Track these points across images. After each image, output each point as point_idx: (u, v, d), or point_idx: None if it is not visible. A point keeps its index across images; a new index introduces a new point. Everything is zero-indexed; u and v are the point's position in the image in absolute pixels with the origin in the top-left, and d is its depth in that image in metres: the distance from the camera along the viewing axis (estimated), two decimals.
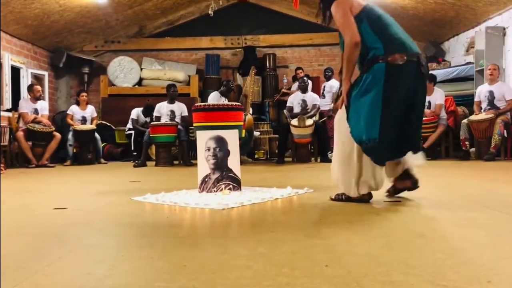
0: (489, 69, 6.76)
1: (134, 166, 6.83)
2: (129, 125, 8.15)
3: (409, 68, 2.63)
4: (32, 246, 1.80)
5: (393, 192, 2.88)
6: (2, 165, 6.02)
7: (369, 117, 2.61)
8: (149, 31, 10.29)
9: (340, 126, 2.76)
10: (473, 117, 6.72)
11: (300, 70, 9.18)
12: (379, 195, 2.88)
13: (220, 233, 2.06)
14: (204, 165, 3.34)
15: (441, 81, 7.86)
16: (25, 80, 8.55)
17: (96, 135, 7.89)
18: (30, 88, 7.67)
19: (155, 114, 7.42)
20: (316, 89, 8.52)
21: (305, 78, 7.72)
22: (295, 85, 9.12)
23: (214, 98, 7.20)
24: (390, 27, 2.73)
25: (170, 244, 1.82)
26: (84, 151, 7.88)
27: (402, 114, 2.67)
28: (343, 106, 2.75)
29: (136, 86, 9.59)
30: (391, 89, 2.59)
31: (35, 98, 7.53)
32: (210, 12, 7.88)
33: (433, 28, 9.08)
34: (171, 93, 7.46)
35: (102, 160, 7.88)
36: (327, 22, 2.93)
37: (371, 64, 2.63)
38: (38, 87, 7.71)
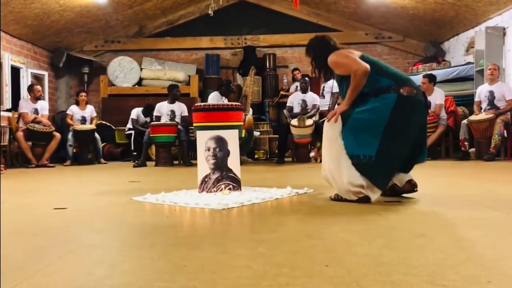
0: (489, 69, 6.76)
1: (134, 166, 6.83)
2: (129, 125, 8.15)
3: (418, 100, 2.78)
4: (32, 246, 1.80)
5: (390, 193, 2.90)
6: (2, 165, 6.02)
7: (369, 135, 2.68)
8: (149, 31, 10.29)
9: (334, 135, 2.78)
10: (473, 117, 6.72)
11: (297, 71, 9.17)
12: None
13: (220, 233, 2.06)
14: (204, 165, 3.34)
15: (441, 81, 7.86)
16: (25, 80, 8.55)
17: (96, 135, 7.89)
18: (30, 88, 7.67)
19: (155, 113, 7.41)
20: (316, 89, 8.52)
21: (306, 78, 7.73)
22: (293, 87, 9.11)
23: (214, 98, 7.19)
24: (389, 68, 2.93)
25: (170, 244, 1.82)
26: (84, 151, 7.88)
27: (405, 142, 2.73)
28: (337, 118, 2.79)
29: (136, 86, 9.59)
30: (398, 117, 2.67)
31: (36, 98, 7.53)
32: (210, 12, 7.86)
33: (433, 28, 9.08)
34: (174, 94, 7.44)
35: (102, 160, 7.88)
36: (324, 78, 3.12)
37: (381, 93, 2.72)
38: (38, 87, 7.71)
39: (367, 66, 2.75)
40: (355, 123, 2.71)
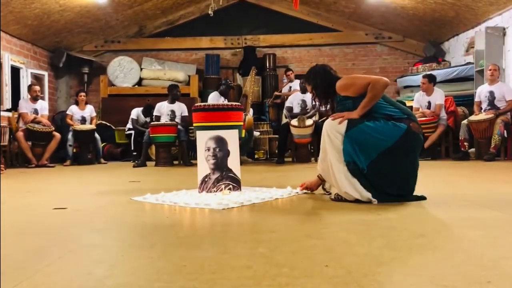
0: (490, 70, 6.76)
1: (134, 166, 6.83)
2: (129, 125, 8.15)
3: (420, 139, 2.85)
4: (32, 246, 1.80)
5: None
6: (2, 165, 6.02)
7: (368, 149, 2.71)
8: (149, 31, 10.29)
9: (334, 136, 2.80)
10: (473, 117, 6.72)
11: (290, 71, 9.16)
12: None
13: (220, 233, 2.06)
14: (204, 165, 3.34)
15: (441, 81, 7.86)
16: (25, 80, 8.55)
17: (96, 135, 7.89)
18: (29, 88, 7.69)
19: (155, 113, 7.41)
20: None
21: None
22: (286, 87, 9.09)
23: (214, 98, 7.20)
24: (395, 102, 3.01)
25: (170, 244, 1.82)
26: (84, 151, 7.88)
27: (399, 169, 2.74)
28: (342, 122, 2.80)
29: (136, 86, 9.59)
30: (401, 148, 2.72)
31: (33, 98, 7.54)
32: (210, 12, 7.86)
33: (433, 28, 9.08)
34: (174, 94, 7.44)
35: (102, 160, 7.88)
36: (324, 106, 3.14)
37: (392, 119, 2.77)
38: (36, 87, 7.69)
39: (387, 80, 2.80)
40: (359, 134, 2.72)
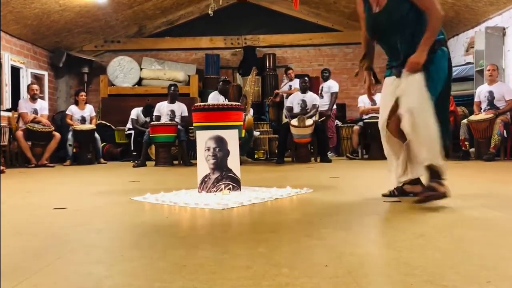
0: (488, 70, 6.77)
1: (134, 166, 6.83)
2: (129, 125, 8.15)
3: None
4: (32, 246, 1.80)
5: (398, 193, 2.89)
6: (2, 166, 6.02)
7: (436, 85, 2.61)
8: (149, 31, 10.30)
9: (420, 84, 2.57)
10: (472, 117, 6.72)
11: (291, 70, 9.15)
12: (379, 195, 2.89)
13: (220, 233, 2.06)
14: (203, 165, 3.34)
15: None
16: (25, 80, 8.56)
17: (96, 135, 7.89)
18: (28, 87, 7.69)
19: (155, 113, 7.42)
20: (315, 89, 8.53)
21: (306, 78, 7.75)
22: (286, 86, 9.09)
23: (214, 98, 7.21)
24: None
25: (170, 244, 1.82)
26: (83, 151, 7.89)
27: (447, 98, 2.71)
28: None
29: (136, 86, 9.60)
30: (449, 74, 2.66)
31: (31, 97, 7.54)
32: (210, 12, 7.87)
33: None
34: (172, 92, 7.46)
35: (102, 160, 7.88)
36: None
37: (440, 46, 2.63)
38: (34, 86, 7.69)
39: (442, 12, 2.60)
40: (433, 75, 2.59)
